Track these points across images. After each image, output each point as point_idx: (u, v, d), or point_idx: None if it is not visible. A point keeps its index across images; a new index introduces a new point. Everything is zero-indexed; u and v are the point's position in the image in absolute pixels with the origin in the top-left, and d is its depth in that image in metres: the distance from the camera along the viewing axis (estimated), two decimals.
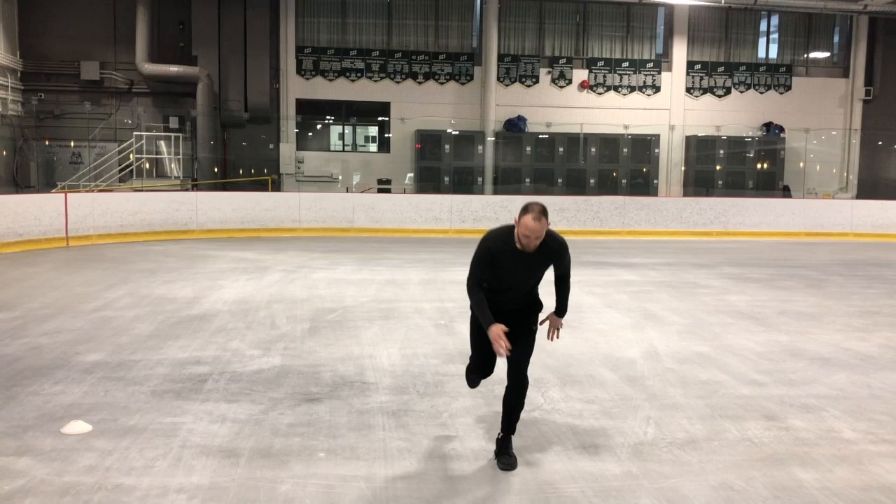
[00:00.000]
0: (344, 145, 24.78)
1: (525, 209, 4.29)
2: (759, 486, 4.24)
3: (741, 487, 4.22)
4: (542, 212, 4.29)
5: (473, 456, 4.62)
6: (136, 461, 4.45)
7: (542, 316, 4.66)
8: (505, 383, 4.58)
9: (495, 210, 19.32)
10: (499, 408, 5.51)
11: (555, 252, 4.48)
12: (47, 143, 22.77)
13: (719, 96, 25.33)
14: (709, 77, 25.25)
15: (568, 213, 19.58)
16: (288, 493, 4.06)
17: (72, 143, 22.78)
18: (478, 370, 4.78)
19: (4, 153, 21.26)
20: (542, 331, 4.67)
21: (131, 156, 21.75)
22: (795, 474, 4.41)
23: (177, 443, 4.74)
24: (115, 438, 4.79)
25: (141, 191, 19.36)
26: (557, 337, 4.81)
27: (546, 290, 4.61)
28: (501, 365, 4.60)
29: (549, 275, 4.61)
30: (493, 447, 4.75)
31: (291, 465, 4.44)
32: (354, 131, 24.94)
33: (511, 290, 4.50)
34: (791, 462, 4.59)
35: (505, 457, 4.52)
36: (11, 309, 8.82)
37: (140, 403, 5.49)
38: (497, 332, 4.21)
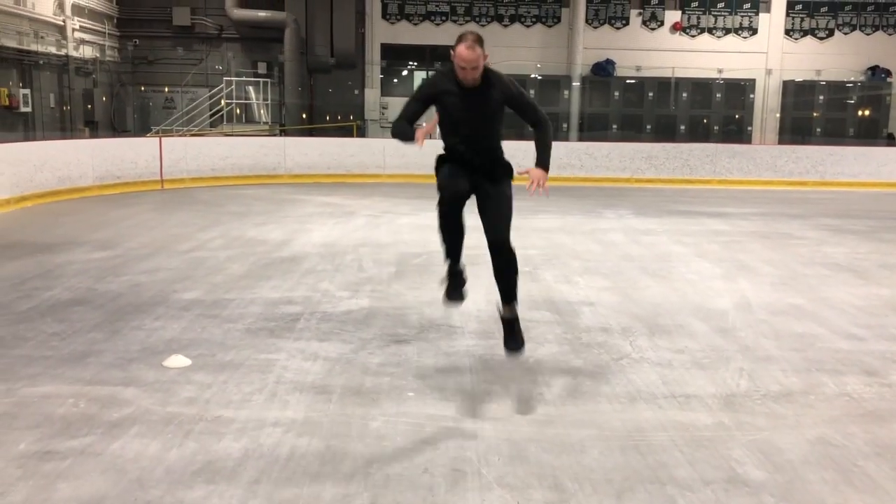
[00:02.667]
0: None
1: (459, 38, 4.08)
2: (859, 442, 4.10)
3: (840, 443, 4.09)
4: (477, 40, 4.07)
5: (560, 401, 4.61)
6: (233, 395, 4.62)
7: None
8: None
9: (580, 157, 18.98)
10: (588, 355, 5.50)
11: (501, 89, 4.16)
12: (142, 88, 23.48)
13: (821, 38, 24.06)
14: (810, 18, 23.98)
15: (656, 161, 19.08)
16: (379, 429, 4.15)
17: (165, 89, 23.43)
18: (448, 202, 4.30)
19: (104, 98, 22.04)
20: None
21: (222, 101, 22.23)
22: None
23: (272, 378, 4.90)
24: (213, 373, 4.98)
25: (231, 136, 19.81)
26: (541, 190, 4.26)
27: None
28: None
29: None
30: (580, 393, 4.73)
31: (382, 402, 4.53)
32: None
33: (468, 137, 4.27)
34: (894, 420, 4.42)
35: (510, 340, 4.42)
36: (112, 248, 9.22)
37: (235, 340, 5.68)
38: (421, 132, 4.06)
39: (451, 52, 4.11)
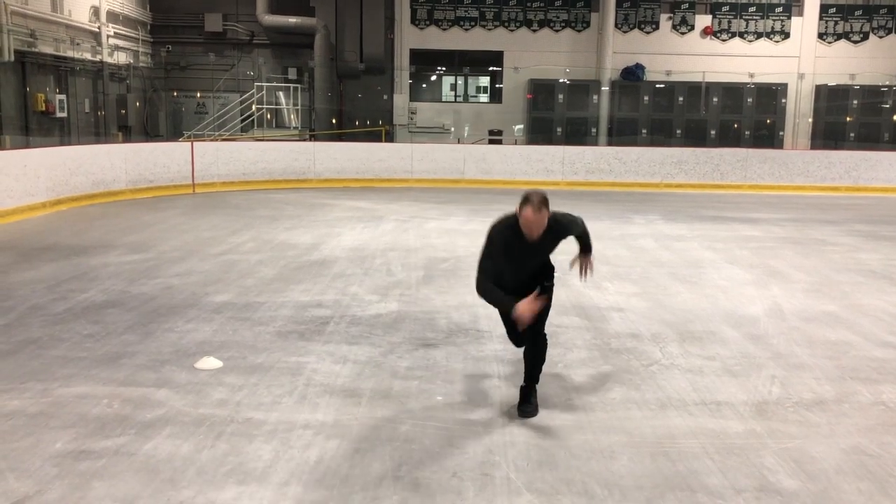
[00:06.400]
0: (456, 96, 24.73)
1: (525, 200, 4.16)
2: (895, 451, 4.03)
3: (875, 453, 4.03)
4: (542, 202, 4.14)
5: (590, 407, 4.60)
6: (264, 397, 4.66)
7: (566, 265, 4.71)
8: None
9: (609, 162, 18.89)
10: (618, 361, 5.48)
11: (560, 233, 4.44)
12: (175, 93, 23.78)
13: (855, 42, 23.72)
14: (844, 21, 23.65)
15: (686, 166, 18.93)
16: (408, 433, 4.17)
17: (197, 94, 23.72)
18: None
19: (137, 104, 22.36)
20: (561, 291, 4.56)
21: (252, 106, 22.45)
22: None
23: (301, 381, 4.94)
24: (244, 375, 5.04)
25: (261, 140, 19.99)
26: (590, 272, 4.80)
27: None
28: None
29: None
30: (609, 398, 4.72)
31: (410, 406, 4.55)
32: (466, 82, 24.83)
33: (522, 272, 4.46)
34: None
35: (525, 405, 4.50)
36: (145, 251, 9.35)
37: (266, 343, 5.74)
38: (522, 308, 4.16)
39: (517, 210, 4.21)
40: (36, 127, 18.27)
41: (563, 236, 4.49)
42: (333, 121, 23.64)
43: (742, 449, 4.06)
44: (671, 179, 18.81)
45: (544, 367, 4.64)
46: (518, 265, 4.43)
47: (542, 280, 4.50)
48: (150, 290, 7.36)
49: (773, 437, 4.22)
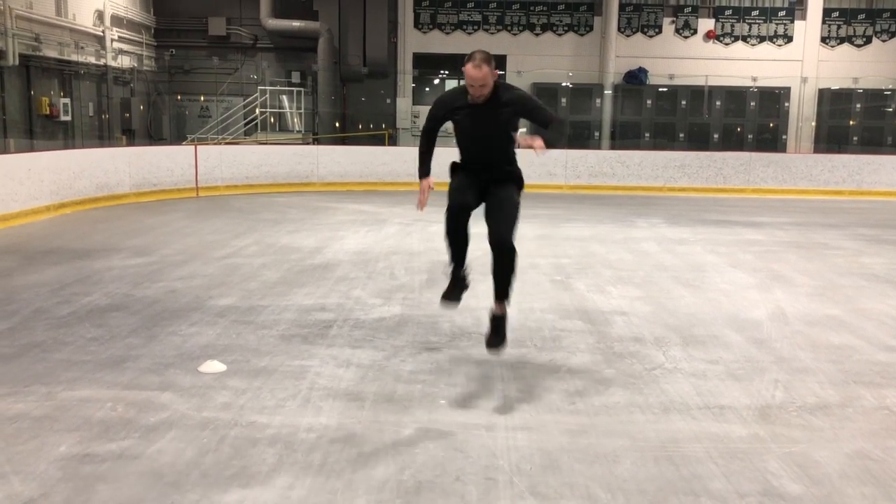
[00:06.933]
0: None
1: (468, 57, 4.24)
2: None
3: (879, 457, 4.02)
4: (485, 59, 4.23)
5: (593, 411, 4.59)
6: (267, 400, 4.66)
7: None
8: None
9: (612, 165, 18.90)
10: (621, 365, 5.48)
11: (511, 102, 4.30)
12: (178, 97, 23.85)
13: (858, 46, 23.72)
14: (847, 25, 23.65)
15: (689, 170, 18.93)
16: (412, 437, 4.17)
17: (201, 98, 23.78)
18: (455, 212, 4.59)
19: (141, 107, 22.42)
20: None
21: (256, 110, 22.50)
22: None
23: (305, 385, 4.94)
24: (247, 378, 5.04)
25: (265, 144, 20.04)
26: (535, 148, 4.32)
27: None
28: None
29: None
30: (612, 402, 4.71)
31: (414, 410, 4.55)
32: None
33: (478, 146, 4.43)
34: None
35: (494, 337, 4.56)
36: (149, 254, 9.37)
37: (270, 346, 5.74)
38: (423, 185, 4.57)
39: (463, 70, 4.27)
40: (40, 130, 18.33)
41: (519, 110, 4.30)
42: (337, 124, 23.68)
43: (745, 453, 4.05)
44: (674, 183, 18.81)
45: (546, 371, 4.64)
46: (471, 132, 4.41)
47: (503, 178, 4.48)
48: (154, 293, 7.38)
49: (777, 441, 4.21)
